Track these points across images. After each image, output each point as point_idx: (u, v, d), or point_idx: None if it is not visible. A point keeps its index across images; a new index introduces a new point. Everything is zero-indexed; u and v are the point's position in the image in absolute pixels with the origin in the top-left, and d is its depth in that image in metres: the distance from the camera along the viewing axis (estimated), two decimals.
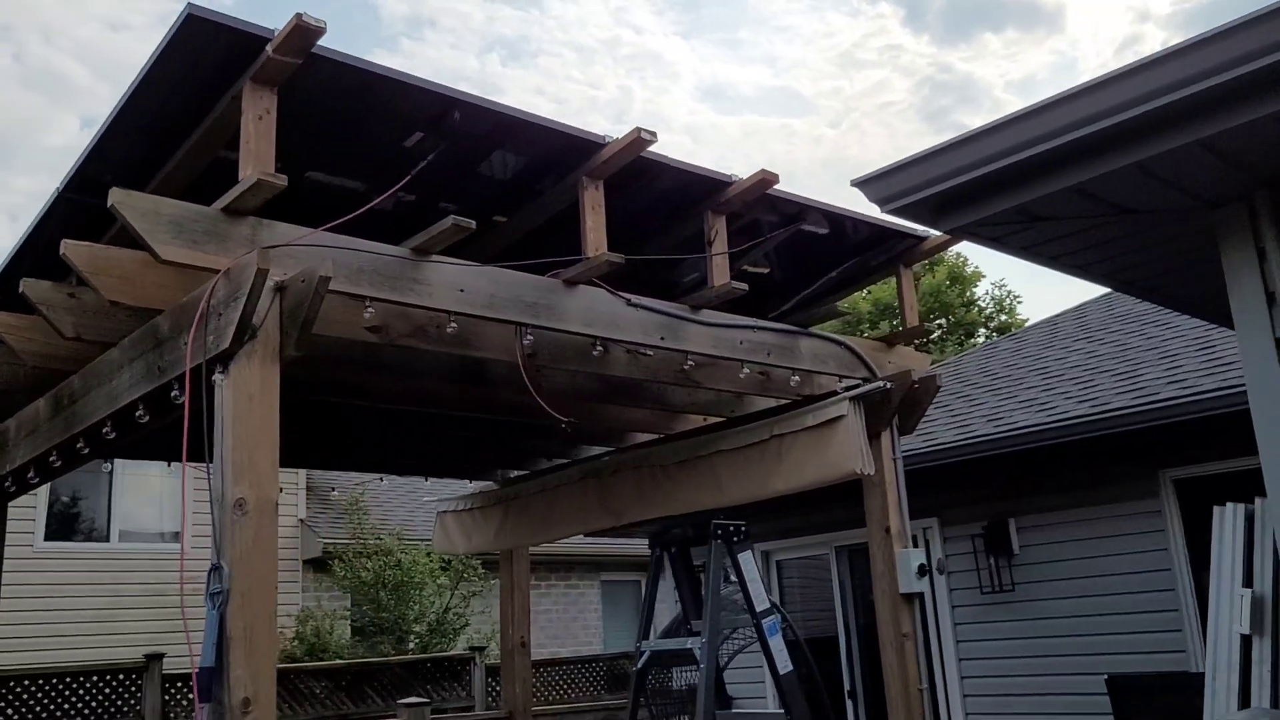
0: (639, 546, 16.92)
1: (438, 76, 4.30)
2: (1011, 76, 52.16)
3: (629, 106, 53.33)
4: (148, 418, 4.16)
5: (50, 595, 10.48)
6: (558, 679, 11.92)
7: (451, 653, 12.18)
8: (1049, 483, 7.94)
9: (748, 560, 5.43)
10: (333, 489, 15.44)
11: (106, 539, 12.15)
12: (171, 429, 4.45)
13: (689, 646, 5.35)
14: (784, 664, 5.21)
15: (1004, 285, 38.25)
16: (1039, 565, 7.90)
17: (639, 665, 5.58)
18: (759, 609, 5.35)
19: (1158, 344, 8.80)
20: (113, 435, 4.46)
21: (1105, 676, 6.50)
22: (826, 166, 54.10)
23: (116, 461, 11.30)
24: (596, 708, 9.33)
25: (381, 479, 14.61)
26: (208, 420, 3.57)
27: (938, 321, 31.32)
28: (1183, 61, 2.76)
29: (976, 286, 33.35)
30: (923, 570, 5.48)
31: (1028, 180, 3.17)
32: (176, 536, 12.54)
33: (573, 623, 17.79)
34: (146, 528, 12.56)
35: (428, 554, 13.82)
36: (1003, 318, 33.22)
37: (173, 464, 8.77)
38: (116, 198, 3.54)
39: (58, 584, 10.75)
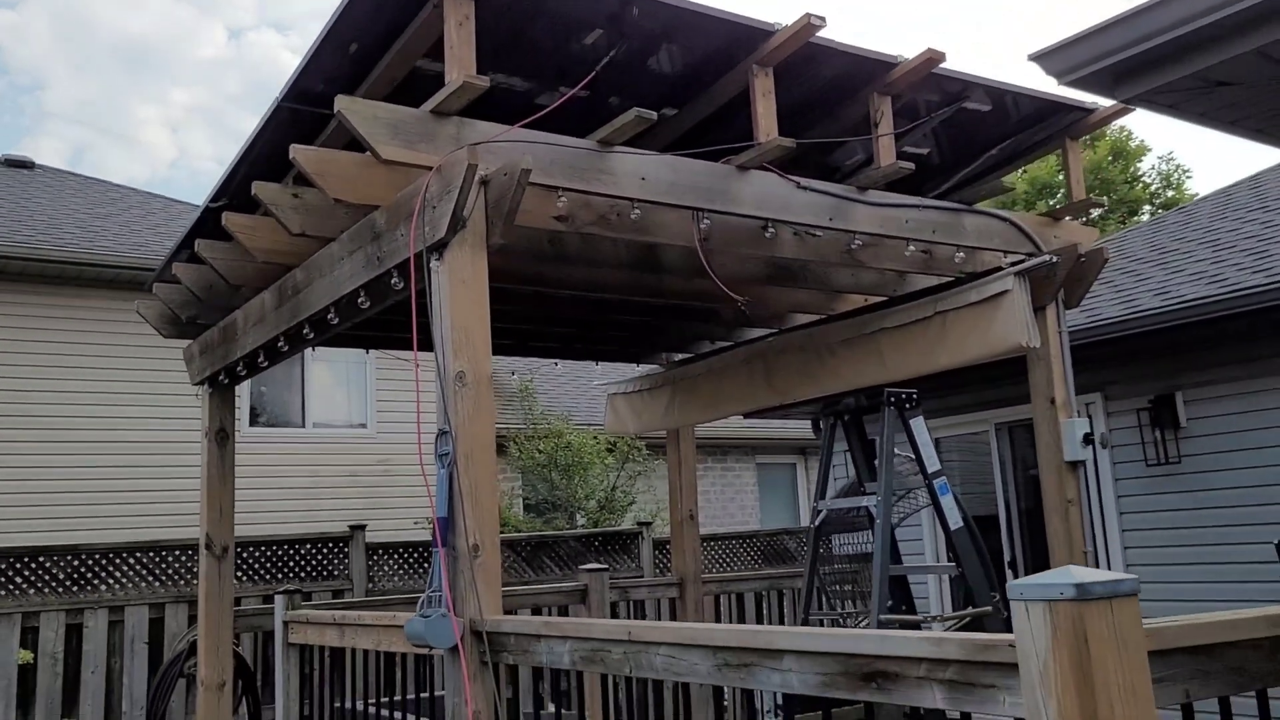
0: (794, 430, 17.28)
1: None
2: None
3: None
4: (369, 303, 4.65)
5: (257, 475, 11.51)
6: (719, 553, 12.48)
7: (620, 528, 12.88)
8: (1219, 356, 7.82)
9: (919, 425, 5.66)
10: (513, 373, 16.23)
11: (302, 425, 13.24)
12: (371, 323, 5.02)
13: (865, 504, 5.67)
14: (955, 520, 5.48)
15: (1172, 159, 36.25)
16: (1207, 438, 7.85)
17: (816, 523, 5.94)
18: (930, 470, 5.60)
19: None
20: (335, 320, 4.98)
21: (1276, 542, 6.52)
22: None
23: (306, 356, 12.24)
24: (760, 576, 9.82)
25: (556, 363, 15.32)
26: (430, 302, 4.00)
27: (1099, 199, 30.01)
28: None
29: (1141, 161, 31.74)
30: (1088, 439, 5.59)
31: (1209, 46, 3.21)
32: (362, 424, 13.54)
33: (730, 503, 18.38)
34: (335, 417, 13.59)
35: (595, 436, 14.60)
36: (1170, 194, 31.60)
37: (371, 351, 9.48)
38: (342, 104, 3.94)
39: (263, 465, 11.80)
